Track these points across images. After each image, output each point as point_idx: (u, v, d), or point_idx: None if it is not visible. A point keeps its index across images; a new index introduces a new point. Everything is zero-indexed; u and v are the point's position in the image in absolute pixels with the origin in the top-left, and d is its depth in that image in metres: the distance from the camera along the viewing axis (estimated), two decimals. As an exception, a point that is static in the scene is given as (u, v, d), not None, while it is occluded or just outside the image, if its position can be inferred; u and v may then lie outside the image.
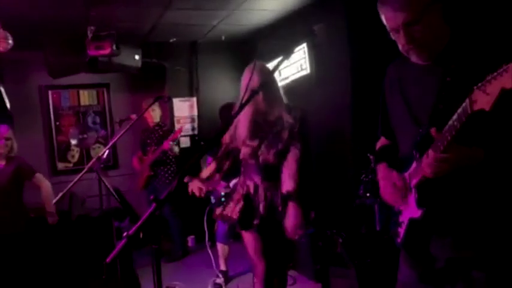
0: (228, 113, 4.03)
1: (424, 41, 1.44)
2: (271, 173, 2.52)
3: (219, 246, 4.11)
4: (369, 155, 3.19)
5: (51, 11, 4.03)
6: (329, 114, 4.15)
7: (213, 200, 4.00)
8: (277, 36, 4.90)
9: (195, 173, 3.49)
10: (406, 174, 1.57)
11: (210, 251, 4.12)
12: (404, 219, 1.60)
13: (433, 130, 1.36)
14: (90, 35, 4.47)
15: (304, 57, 4.40)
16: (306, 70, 4.41)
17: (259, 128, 2.55)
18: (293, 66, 4.62)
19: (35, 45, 4.88)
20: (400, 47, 1.51)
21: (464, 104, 1.22)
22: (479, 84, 1.16)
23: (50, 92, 5.65)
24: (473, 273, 1.44)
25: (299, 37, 4.33)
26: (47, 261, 4.50)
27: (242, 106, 1.64)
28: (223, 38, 5.52)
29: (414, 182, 1.51)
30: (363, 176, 3.17)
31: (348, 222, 3.57)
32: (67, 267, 4.56)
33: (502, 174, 1.42)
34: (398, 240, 1.63)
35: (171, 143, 4.57)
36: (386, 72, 1.77)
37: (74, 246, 4.71)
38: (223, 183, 3.88)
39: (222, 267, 4.14)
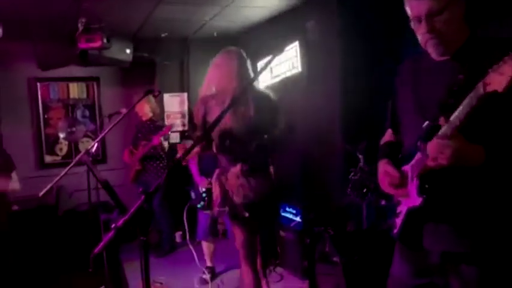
0: None
1: (444, 33, 1.47)
2: None
3: (203, 244, 4.12)
4: (357, 153, 3.22)
5: (41, 2, 3.98)
6: (319, 113, 4.17)
7: (193, 196, 3.99)
8: (270, 33, 4.90)
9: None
10: (409, 166, 1.59)
11: (191, 247, 4.14)
12: (402, 209, 1.63)
13: (441, 119, 1.39)
14: (80, 27, 4.44)
15: (296, 56, 4.41)
16: (298, 68, 4.43)
17: None
18: (285, 64, 4.63)
19: (24, 36, 4.83)
20: (419, 37, 1.53)
21: (477, 87, 1.25)
22: (494, 66, 1.20)
23: (38, 84, 5.58)
24: (464, 267, 1.47)
25: (291, 34, 4.35)
26: (34, 256, 4.47)
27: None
28: (215, 34, 5.51)
29: (417, 171, 1.54)
30: (352, 174, 3.19)
31: (335, 220, 3.60)
32: (53, 261, 4.53)
33: (504, 172, 1.44)
34: (395, 231, 1.66)
35: (161, 138, 4.55)
36: (401, 66, 1.79)
37: (61, 240, 4.68)
38: (204, 180, 3.88)
39: (208, 263, 4.14)
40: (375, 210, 3.29)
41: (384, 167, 1.72)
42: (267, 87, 4.99)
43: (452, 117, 1.35)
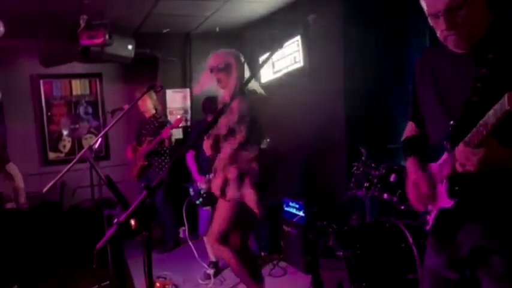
0: (211, 105, 4.05)
1: (465, 27, 1.39)
2: None
3: (205, 239, 4.14)
4: (360, 148, 3.21)
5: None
6: (322, 107, 4.16)
7: (191, 193, 4.00)
8: (271, 27, 4.89)
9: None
10: (437, 164, 1.57)
11: (191, 243, 4.16)
12: (433, 207, 1.61)
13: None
14: (82, 24, 4.44)
15: (298, 50, 4.40)
16: (300, 63, 4.41)
17: None
18: (286, 59, 4.61)
19: (26, 33, 4.84)
20: (438, 33, 1.46)
21: (501, 100, 1.19)
22: None
23: (41, 81, 5.60)
24: (493, 260, 1.45)
25: (293, 28, 4.33)
26: (38, 252, 4.50)
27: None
28: (217, 29, 5.50)
29: (445, 172, 1.51)
30: (354, 168, 3.18)
31: (338, 214, 3.60)
32: (58, 257, 4.56)
33: None
34: (427, 228, 1.65)
35: (170, 131, 4.56)
36: (418, 59, 1.73)
37: (65, 237, 4.71)
38: (201, 178, 3.90)
39: (212, 258, 4.16)
40: (378, 204, 3.29)
41: (414, 174, 1.68)
42: (269, 82, 4.99)
43: (479, 124, 1.29)
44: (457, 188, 1.48)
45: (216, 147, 2.94)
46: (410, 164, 1.73)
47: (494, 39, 1.41)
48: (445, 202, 1.52)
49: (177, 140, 5.15)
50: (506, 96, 1.17)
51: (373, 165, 3.04)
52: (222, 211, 2.91)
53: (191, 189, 4.00)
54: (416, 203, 1.67)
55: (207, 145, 2.96)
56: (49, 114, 5.67)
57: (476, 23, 1.42)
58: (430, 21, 1.46)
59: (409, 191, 1.70)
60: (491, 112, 1.24)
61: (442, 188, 1.54)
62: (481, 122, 1.28)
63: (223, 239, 2.93)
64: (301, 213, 4.04)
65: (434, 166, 1.60)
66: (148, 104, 4.90)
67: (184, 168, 4.18)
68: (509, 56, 1.35)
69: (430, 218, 1.63)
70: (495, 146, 1.31)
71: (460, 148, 1.36)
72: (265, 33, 4.98)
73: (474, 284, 1.54)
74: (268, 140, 3.86)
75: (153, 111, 4.95)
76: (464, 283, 1.58)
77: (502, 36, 1.40)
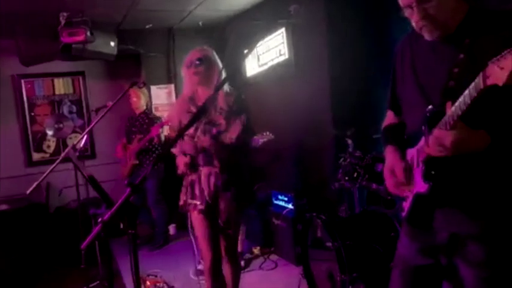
0: None
1: (438, 18, 1.42)
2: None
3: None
4: (347, 139, 3.21)
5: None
6: (309, 99, 4.15)
7: None
8: (255, 20, 4.86)
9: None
10: (414, 149, 1.58)
11: (192, 237, 4.13)
12: (409, 193, 1.62)
13: (448, 104, 1.34)
14: (62, 21, 4.36)
15: (283, 43, 4.38)
16: (285, 55, 4.39)
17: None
18: (272, 52, 4.59)
19: (6, 32, 4.74)
20: (413, 23, 1.49)
21: (477, 79, 1.21)
22: (494, 59, 1.15)
23: (23, 81, 5.50)
24: (471, 247, 1.46)
25: (276, 21, 4.31)
26: (26, 254, 4.44)
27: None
28: (200, 23, 5.45)
29: (422, 156, 1.51)
30: (341, 159, 3.19)
31: (327, 205, 3.61)
32: (46, 259, 4.51)
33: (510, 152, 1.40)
34: (403, 214, 1.67)
35: (160, 129, 4.51)
36: (398, 45, 1.74)
37: (53, 238, 4.66)
38: None
39: (204, 254, 4.14)
40: (366, 194, 3.30)
41: (391, 160, 1.69)
42: (255, 75, 4.96)
43: (453, 107, 1.32)
44: (433, 172, 1.49)
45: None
46: (388, 152, 1.75)
47: (472, 26, 1.43)
48: (421, 186, 1.53)
49: (166, 137, 5.11)
50: (481, 75, 1.19)
51: (360, 155, 3.05)
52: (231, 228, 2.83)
53: None
54: (393, 189, 1.68)
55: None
56: (32, 114, 5.58)
57: (449, 13, 1.44)
58: (405, 12, 1.49)
59: (385, 178, 1.71)
60: (466, 93, 1.26)
61: (418, 172, 1.55)
62: (456, 104, 1.30)
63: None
64: (290, 206, 4.04)
65: (412, 151, 1.61)
66: (141, 101, 4.86)
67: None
68: (486, 42, 1.36)
69: (406, 205, 1.64)
70: (465, 128, 1.33)
71: (435, 131, 1.38)
72: (248, 26, 4.95)
73: (449, 271, 1.54)
74: (268, 133, 3.78)
75: (144, 108, 4.91)
76: (437, 270, 1.59)
77: (479, 23, 1.41)
